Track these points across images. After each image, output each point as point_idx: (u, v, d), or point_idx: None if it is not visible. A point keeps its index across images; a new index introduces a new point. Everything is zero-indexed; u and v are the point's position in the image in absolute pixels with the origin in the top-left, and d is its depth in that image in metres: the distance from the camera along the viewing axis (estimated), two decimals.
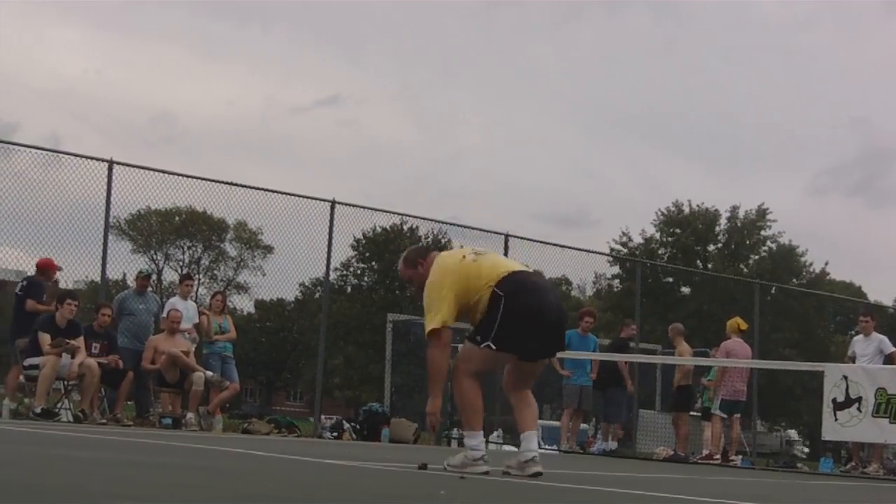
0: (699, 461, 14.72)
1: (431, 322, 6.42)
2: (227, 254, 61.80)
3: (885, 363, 14.00)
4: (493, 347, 6.37)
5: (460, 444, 15.74)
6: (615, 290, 48.32)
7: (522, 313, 6.38)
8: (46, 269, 13.59)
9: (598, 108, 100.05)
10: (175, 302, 14.48)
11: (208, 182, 15.88)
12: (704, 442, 15.72)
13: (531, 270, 6.72)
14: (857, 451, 14.81)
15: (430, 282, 6.54)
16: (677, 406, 15.90)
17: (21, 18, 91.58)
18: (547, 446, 15.98)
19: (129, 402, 14.59)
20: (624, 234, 50.36)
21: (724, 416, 15.02)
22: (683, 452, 15.44)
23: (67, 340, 12.56)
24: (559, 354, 15.13)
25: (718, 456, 14.83)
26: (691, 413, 19.03)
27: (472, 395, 6.49)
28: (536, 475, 6.39)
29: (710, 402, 15.32)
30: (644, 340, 22.95)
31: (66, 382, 13.01)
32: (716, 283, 43.62)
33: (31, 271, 13.93)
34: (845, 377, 12.61)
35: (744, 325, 15.58)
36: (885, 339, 14.61)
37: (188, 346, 13.88)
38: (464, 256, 6.62)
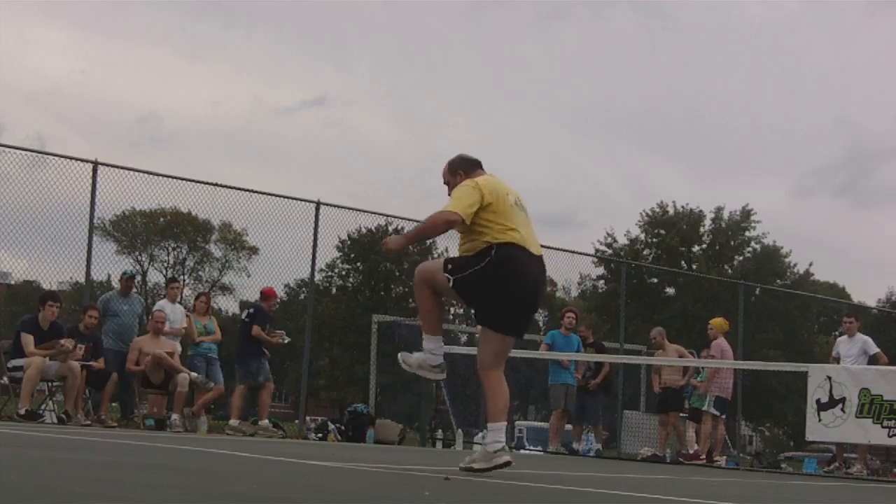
0: (687, 461, 14.72)
1: (454, 206, 6.44)
2: (212, 255, 61.63)
3: (869, 364, 14.06)
4: (451, 285, 6.44)
5: (445, 445, 15.80)
6: (600, 290, 48.41)
7: (496, 284, 6.41)
8: (270, 296, 14.78)
9: (583, 109, 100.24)
10: (163, 305, 14.47)
11: (193, 183, 15.88)
12: (689, 441, 15.74)
13: (537, 255, 6.65)
14: (840, 452, 14.88)
15: (472, 182, 6.59)
16: (665, 407, 15.85)
17: (5, 19, 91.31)
18: (532, 447, 16.00)
19: (113, 404, 14.55)
20: (609, 234, 50.49)
21: (718, 413, 15.07)
22: (662, 453, 15.44)
23: (61, 342, 12.50)
24: (549, 354, 15.24)
25: (704, 456, 14.87)
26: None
27: (429, 302, 6.65)
28: (506, 465, 6.38)
29: (700, 401, 15.26)
30: (629, 342, 23.00)
31: (50, 384, 12.97)
32: (700, 284, 43.72)
33: (16, 272, 13.90)
34: (829, 378, 12.66)
35: (727, 326, 15.67)
36: (868, 339, 14.67)
37: (173, 347, 13.86)
38: (508, 194, 6.61)
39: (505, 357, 6.79)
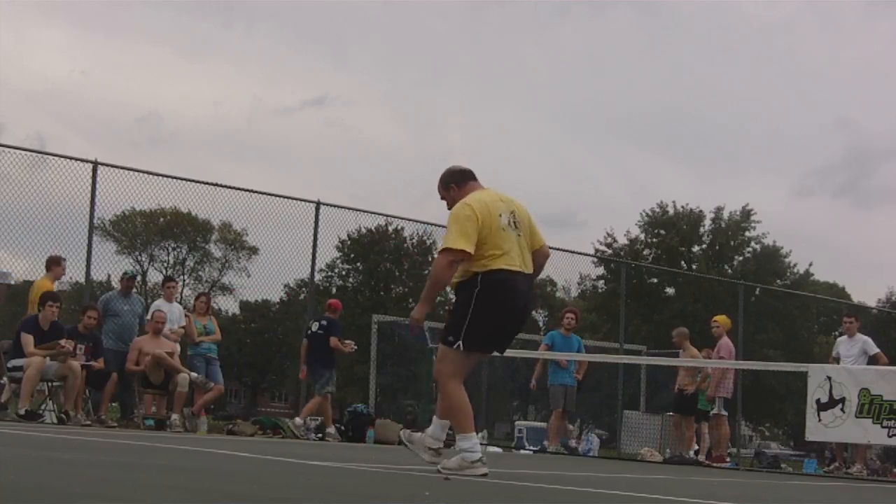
0: (708, 463, 14.65)
1: (454, 242, 6.35)
2: (211, 255, 61.66)
3: (868, 364, 14.06)
4: (462, 348, 6.39)
5: (445, 445, 15.79)
6: (600, 290, 48.41)
7: (491, 310, 6.39)
8: (338, 308, 15.57)
9: (583, 109, 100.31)
10: (160, 304, 14.46)
11: (193, 183, 15.88)
12: (699, 441, 15.64)
13: (525, 272, 6.56)
14: (840, 452, 14.87)
15: (463, 209, 6.47)
16: (680, 409, 15.76)
17: (5, 19, 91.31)
18: (532, 447, 15.99)
19: (113, 404, 14.56)
20: (608, 234, 50.49)
21: (726, 413, 15.06)
22: (686, 454, 15.31)
23: (61, 343, 12.51)
24: (546, 355, 15.23)
25: (727, 456, 14.91)
26: (671, 413, 19.05)
27: (458, 398, 6.48)
28: (483, 476, 6.30)
29: (708, 404, 15.19)
30: (628, 342, 23.01)
31: (50, 384, 12.97)
32: (700, 284, 43.71)
33: (16, 272, 13.93)
34: (829, 378, 12.65)
35: (730, 323, 15.66)
36: (868, 339, 14.66)
37: (173, 347, 13.86)
38: (500, 214, 6.49)
39: (468, 372, 6.74)
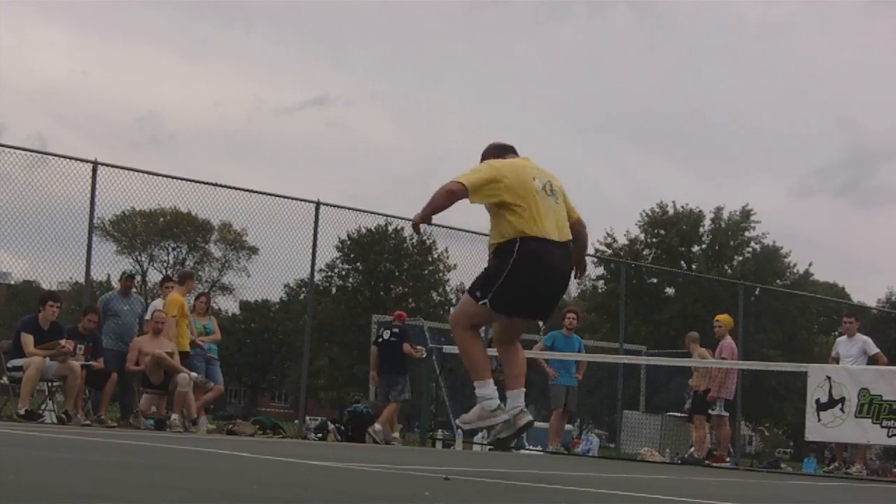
0: (708, 463, 14.64)
1: (460, 176, 6.47)
2: (211, 255, 61.70)
3: (868, 364, 14.06)
4: (489, 305, 6.43)
5: (445, 445, 15.80)
6: (600, 291, 48.43)
7: (524, 281, 6.41)
8: (403, 318, 16.23)
9: (583, 109, 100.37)
10: (158, 304, 14.46)
11: (193, 183, 15.88)
12: (697, 443, 15.63)
13: (562, 241, 6.59)
14: (840, 452, 14.87)
15: (486, 163, 6.64)
16: (697, 409, 15.73)
17: (5, 19, 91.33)
18: (531, 447, 15.99)
19: (113, 404, 14.56)
20: (608, 234, 50.53)
21: (726, 413, 15.05)
22: (700, 455, 15.25)
23: (61, 343, 12.52)
24: (545, 355, 15.24)
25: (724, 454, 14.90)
26: (671, 413, 19.04)
27: (474, 347, 6.58)
28: (528, 424, 6.48)
29: (712, 404, 15.17)
30: (628, 342, 23.02)
31: (50, 384, 12.98)
32: (700, 284, 43.73)
33: (16, 272, 13.94)
34: (829, 378, 12.65)
35: (732, 323, 15.65)
36: (868, 340, 14.66)
37: (173, 347, 13.85)
38: (534, 178, 6.56)
39: (521, 334, 6.86)
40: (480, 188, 6.44)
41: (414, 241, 48.30)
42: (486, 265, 6.61)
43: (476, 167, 6.62)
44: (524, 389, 6.65)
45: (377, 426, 14.90)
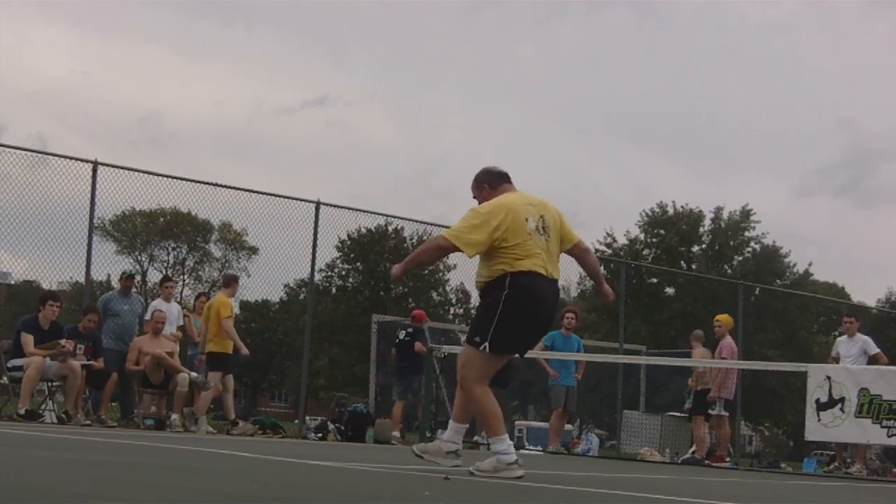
0: (708, 463, 14.64)
1: (454, 236, 6.36)
2: (211, 255, 61.70)
3: (868, 364, 14.06)
4: (489, 349, 6.36)
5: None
6: None
7: (519, 314, 6.36)
8: (420, 318, 16.53)
9: (583, 109, 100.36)
10: (158, 304, 14.47)
11: (193, 183, 15.87)
12: (698, 443, 15.62)
13: (553, 279, 6.56)
14: (840, 452, 14.87)
15: (486, 208, 6.49)
16: (696, 409, 15.73)
17: (6, 19, 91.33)
18: (532, 447, 15.99)
19: (113, 404, 14.57)
20: (608, 234, 50.50)
21: (726, 413, 15.05)
22: (700, 455, 15.23)
23: (62, 344, 12.52)
24: (545, 355, 15.24)
25: (727, 456, 14.91)
26: (671, 413, 19.01)
27: (487, 401, 6.46)
28: (519, 478, 6.33)
29: (712, 404, 15.17)
30: (628, 342, 23.00)
31: (50, 384, 12.98)
32: (700, 284, 43.71)
33: (16, 272, 13.95)
34: (828, 378, 12.65)
35: (732, 323, 15.65)
36: (868, 339, 14.66)
37: (172, 347, 13.87)
38: (528, 218, 6.46)
39: (492, 374, 6.69)
40: (473, 245, 6.33)
41: (414, 241, 48.30)
42: (476, 309, 6.58)
43: (468, 218, 6.43)
44: (466, 425, 6.61)
45: (395, 433, 15.37)
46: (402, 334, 16.13)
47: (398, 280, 7.55)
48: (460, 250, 6.36)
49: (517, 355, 6.84)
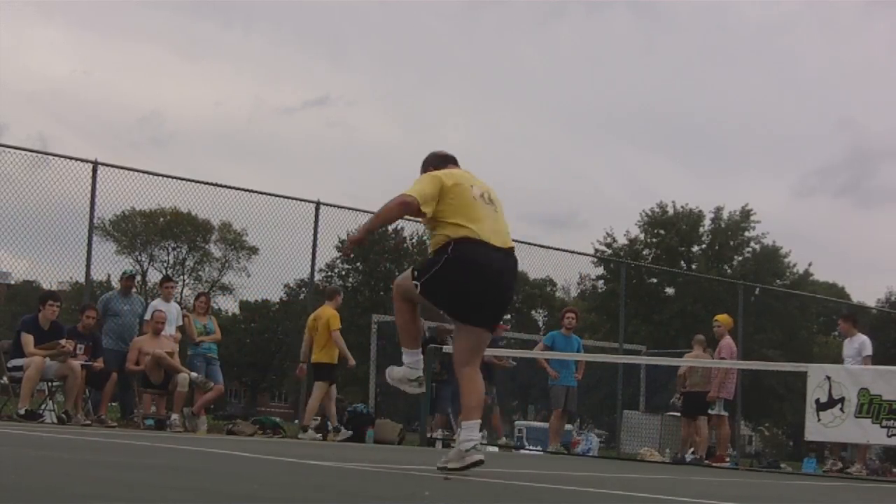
0: (708, 463, 14.65)
1: (410, 189, 6.52)
2: (211, 255, 61.64)
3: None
4: (419, 290, 6.48)
5: (445, 445, 15.80)
6: (599, 290, 48.40)
7: (456, 279, 6.42)
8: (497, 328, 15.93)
9: (582, 109, 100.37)
10: (158, 304, 14.47)
11: (193, 183, 15.89)
12: (696, 442, 15.64)
13: (503, 247, 6.57)
14: (837, 451, 14.89)
15: (429, 173, 6.72)
16: (687, 410, 15.74)
17: (6, 20, 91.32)
18: (532, 447, 16.00)
19: (113, 404, 14.57)
20: (608, 234, 50.49)
21: (726, 413, 15.07)
22: (696, 455, 15.23)
23: (62, 344, 12.52)
24: (546, 355, 15.26)
25: (727, 456, 14.93)
26: (671, 413, 19.01)
27: (407, 317, 6.73)
28: (478, 463, 6.33)
29: (712, 404, 15.19)
30: (628, 342, 23.01)
31: (50, 384, 12.98)
32: (700, 284, 43.70)
33: (16, 272, 13.97)
34: (828, 378, 12.65)
35: (732, 323, 15.65)
36: (866, 340, 14.68)
37: (172, 347, 13.87)
38: (472, 185, 6.60)
39: (479, 353, 6.76)
40: (431, 199, 6.45)
41: (414, 241, 48.25)
42: None
43: (420, 179, 6.63)
44: (479, 421, 6.53)
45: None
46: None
47: (359, 245, 7.43)
48: (422, 210, 6.43)
49: (464, 321, 6.72)
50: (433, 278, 6.42)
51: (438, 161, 6.92)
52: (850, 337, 14.74)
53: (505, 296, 6.70)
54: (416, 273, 6.53)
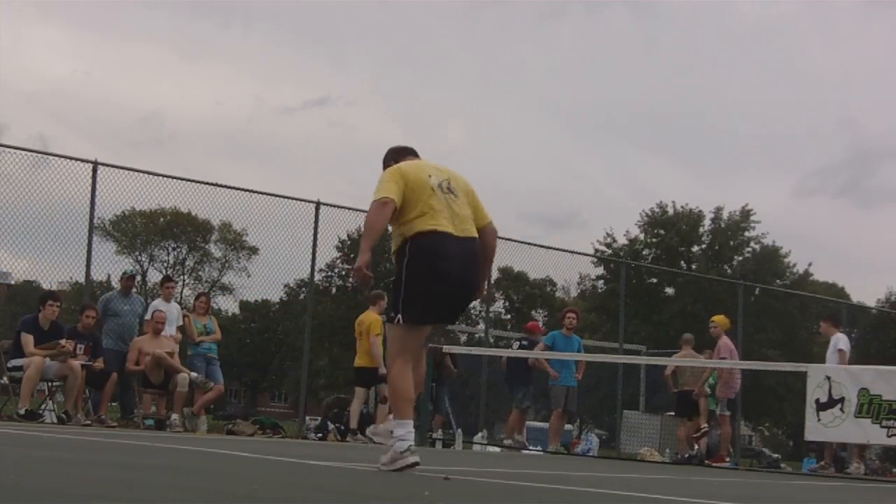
0: (708, 463, 14.68)
1: (378, 193, 6.34)
2: (211, 255, 61.64)
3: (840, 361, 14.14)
4: (402, 322, 6.26)
5: (445, 445, 15.81)
6: (599, 290, 48.38)
7: (422, 279, 6.26)
8: (534, 329, 16.97)
9: (583, 109, 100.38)
10: (158, 304, 14.47)
11: (193, 183, 15.88)
12: (694, 442, 15.67)
13: (463, 237, 6.40)
14: (831, 454, 14.90)
15: (387, 170, 6.55)
16: (681, 411, 15.77)
17: (6, 20, 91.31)
18: (532, 447, 16.00)
19: (113, 404, 14.57)
20: (608, 234, 50.47)
21: (728, 413, 15.08)
22: (688, 454, 15.27)
23: (62, 344, 12.53)
24: (546, 355, 15.27)
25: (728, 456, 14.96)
26: (671, 413, 19.02)
27: (400, 380, 6.28)
28: (413, 466, 6.11)
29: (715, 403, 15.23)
30: (628, 342, 23.00)
31: (50, 384, 12.98)
32: (700, 284, 43.69)
33: (16, 272, 13.97)
34: (828, 378, 12.65)
35: (729, 323, 15.67)
36: (841, 336, 14.71)
37: (172, 347, 13.87)
38: (430, 176, 6.47)
39: (416, 349, 6.52)
40: (399, 193, 6.33)
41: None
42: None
43: (382, 178, 6.45)
44: (412, 420, 6.24)
45: (517, 436, 15.64)
46: (515, 346, 16.57)
47: (367, 278, 7.08)
48: (393, 203, 6.29)
49: (443, 323, 6.63)
50: (407, 298, 6.25)
51: (396, 155, 6.83)
52: (831, 336, 14.79)
53: (467, 287, 6.46)
54: (391, 314, 6.33)
